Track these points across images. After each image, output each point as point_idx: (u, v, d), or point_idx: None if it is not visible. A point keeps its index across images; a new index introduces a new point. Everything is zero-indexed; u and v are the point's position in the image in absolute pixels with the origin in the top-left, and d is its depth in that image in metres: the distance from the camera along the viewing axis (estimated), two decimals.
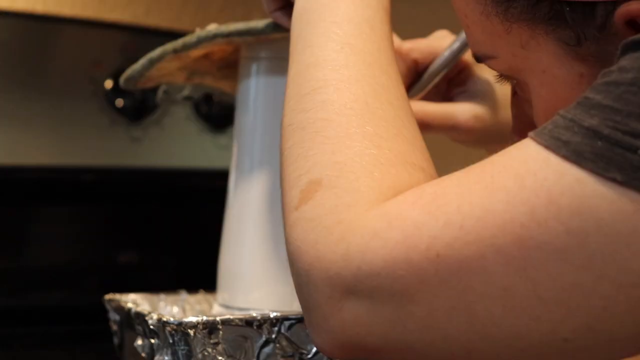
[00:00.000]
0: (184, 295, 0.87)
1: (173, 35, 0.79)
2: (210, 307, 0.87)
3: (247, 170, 0.80)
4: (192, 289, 0.89)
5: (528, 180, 0.50)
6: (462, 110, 0.80)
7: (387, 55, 0.62)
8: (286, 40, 0.79)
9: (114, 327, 0.82)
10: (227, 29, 0.76)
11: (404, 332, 0.52)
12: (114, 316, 0.82)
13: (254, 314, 0.69)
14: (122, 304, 0.79)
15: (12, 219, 1.30)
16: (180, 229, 1.38)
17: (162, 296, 0.86)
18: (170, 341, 0.67)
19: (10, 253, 1.30)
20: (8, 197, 1.27)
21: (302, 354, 0.71)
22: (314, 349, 0.71)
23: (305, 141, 0.58)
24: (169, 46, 0.77)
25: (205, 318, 0.67)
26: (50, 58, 1.25)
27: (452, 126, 0.80)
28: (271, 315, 0.69)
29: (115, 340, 0.82)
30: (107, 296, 0.83)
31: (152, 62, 0.79)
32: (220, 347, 0.67)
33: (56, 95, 1.24)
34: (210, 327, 0.67)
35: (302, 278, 0.55)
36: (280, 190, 0.60)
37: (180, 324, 0.67)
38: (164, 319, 0.68)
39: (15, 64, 1.22)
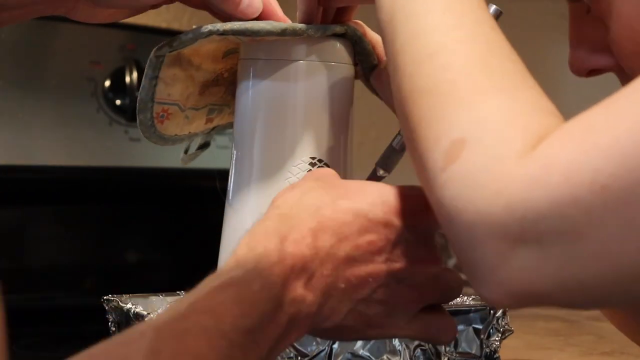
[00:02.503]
0: (182, 296, 0.87)
1: (172, 35, 0.78)
2: None
3: (246, 171, 0.80)
4: (191, 289, 0.89)
5: None
6: None
7: (485, 13, 0.62)
8: (282, 43, 0.79)
9: (113, 328, 0.82)
10: (223, 27, 0.76)
11: (575, 271, 0.53)
12: (112, 317, 0.82)
13: None
14: (122, 304, 0.79)
15: (12, 219, 1.30)
16: (180, 229, 1.38)
17: (161, 296, 0.86)
18: None
19: (10, 253, 1.30)
20: (7, 197, 1.27)
21: (303, 355, 0.71)
22: (314, 351, 0.71)
23: (436, 105, 0.59)
24: (165, 44, 0.77)
25: None
26: (48, 58, 1.25)
27: None
28: None
29: None
30: (106, 297, 0.83)
31: (154, 67, 0.78)
32: None
33: (55, 95, 1.24)
34: None
35: (462, 236, 0.55)
36: (415, 159, 0.60)
37: None
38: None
39: (14, 64, 1.22)
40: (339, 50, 0.80)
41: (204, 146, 0.89)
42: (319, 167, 0.79)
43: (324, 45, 0.79)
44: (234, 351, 0.53)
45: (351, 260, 0.59)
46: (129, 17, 0.83)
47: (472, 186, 0.55)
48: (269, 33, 0.76)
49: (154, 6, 0.80)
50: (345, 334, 0.62)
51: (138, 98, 0.78)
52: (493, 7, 0.76)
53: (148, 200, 1.38)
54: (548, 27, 1.60)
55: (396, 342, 0.76)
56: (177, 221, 1.37)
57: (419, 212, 0.61)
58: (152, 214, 1.39)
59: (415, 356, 0.76)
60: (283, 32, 0.76)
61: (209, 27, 0.76)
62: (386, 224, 0.60)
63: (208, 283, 0.56)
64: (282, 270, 0.56)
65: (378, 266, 0.60)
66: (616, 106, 0.53)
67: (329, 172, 0.67)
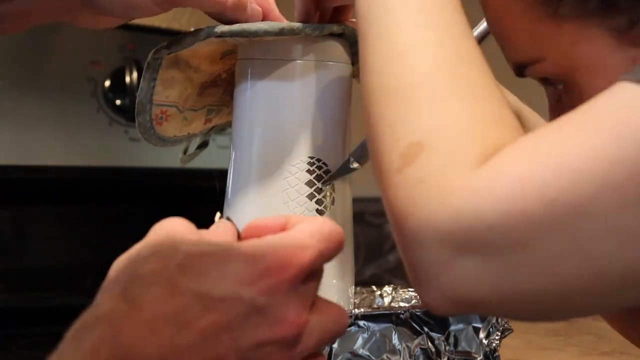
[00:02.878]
0: None
1: (172, 35, 0.79)
2: None
3: (245, 171, 0.80)
4: None
5: (634, 117, 0.51)
6: None
7: (461, 18, 0.63)
8: (280, 42, 0.79)
9: None
10: (221, 29, 0.76)
11: (517, 282, 0.53)
12: None
13: None
14: None
15: (12, 219, 1.30)
16: None
17: None
18: None
19: (10, 253, 1.30)
20: (7, 197, 1.27)
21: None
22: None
23: (399, 106, 0.59)
24: (162, 46, 0.77)
25: None
26: (48, 58, 1.25)
27: None
28: None
29: None
30: None
31: (152, 70, 0.78)
32: None
33: (55, 95, 1.24)
34: None
35: (408, 239, 0.55)
36: (373, 156, 0.60)
37: None
38: None
39: (14, 64, 1.22)
40: (336, 49, 0.80)
41: (203, 145, 0.89)
42: (317, 166, 0.79)
43: (321, 45, 0.79)
44: None
45: (195, 348, 0.51)
46: (131, 20, 0.83)
47: (423, 191, 0.55)
48: (266, 33, 0.76)
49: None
50: None
51: (137, 100, 0.79)
52: (483, 25, 0.76)
53: (148, 200, 1.38)
54: None
55: (395, 341, 0.76)
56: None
57: (283, 268, 0.52)
58: (152, 214, 1.39)
59: (415, 355, 0.76)
60: (280, 32, 0.76)
61: (207, 29, 0.76)
62: (233, 299, 0.52)
63: None
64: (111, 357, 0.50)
65: (226, 345, 0.51)
66: (570, 124, 0.54)
67: (178, 228, 0.59)
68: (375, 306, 0.90)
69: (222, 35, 0.76)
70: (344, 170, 0.80)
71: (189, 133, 0.86)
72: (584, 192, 0.51)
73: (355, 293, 0.86)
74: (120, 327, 0.51)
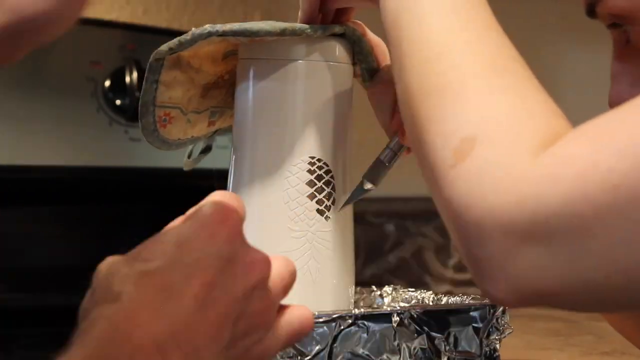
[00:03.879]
0: None
1: (172, 35, 0.79)
2: None
3: (245, 170, 0.80)
4: None
5: None
6: None
7: (491, 15, 0.63)
8: (281, 43, 0.79)
9: None
10: (222, 28, 0.76)
11: (582, 270, 0.53)
12: None
13: None
14: None
15: (12, 219, 1.30)
16: None
17: None
18: None
19: (10, 253, 1.30)
20: (7, 197, 1.27)
21: (303, 354, 0.71)
22: (314, 351, 0.71)
23: (446, 104, 0.59)
24: (164, 47, 0.77)
25: None
26: (48, 58, 1.25)
27: None
28: None
29: None
30: None
31: (154, 71, 0.78)
32: None
33: (54, 95, 1.24)
34: None
35: (471, 232, 0.55)
36: (421, 158, 0.60)
37: None
38: None
39: (14, 64, 1.22)
40: (338, 50, 0.80)
41: (206, 150, 0.89)
42: (317, 166, 0.79)
43: (322, 45, 0.79)
44: None
45: (198, 311, 0.53)
46: None
47: (482, 182, 0.55)
48: (268, 33, 0.76)
49: None
50: None
51: (139, 102, 0.78)
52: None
53: (148, 200, 1.38)
54: (548, 27, 1.60)
55: (395, 341, 0.76)
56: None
57: (227, 218, 0.57)
58: (152, 214, 1.39)
59: (415, 355, 0.76)
60: (282, 32, 0.76)
61: (208, 28, 0.76)
62: (203, 258, 0.54)
63: None
64: (121, 349, 0.50)
65: (223, 301, 0.54)
66: (632, 111, 0.54)
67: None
68: (375, 306, 0.90)
69: (224, 34, 0.76)
70: (358, 192, 0.80)
71: (192, 136, 0.85)
72: None
73: (355, 293, 0.86)
74: (119, 320, 0.52)
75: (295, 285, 0.77)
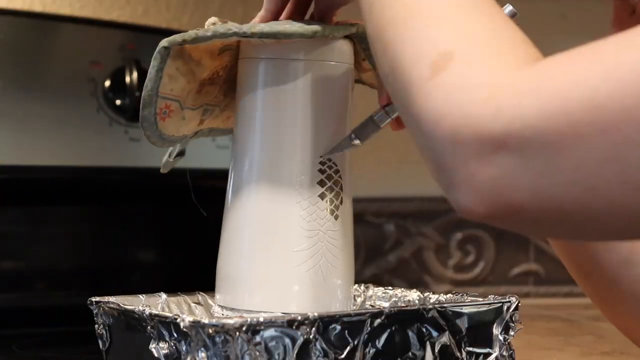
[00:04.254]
0: (163, 297, 0.86)
1: (172, 35, 0.78)
2: (190, 308, 0.86)
3: (245, 171, 0.80)
4: (191, 289, 0.89)
5: None
6: None
7: None
8: (286, 42, 0.78)
9: (102, 331, 0.81)
10: (251, 29, 0.75)
11: (552, 185, 0.53)
12: (103, 319, 0.81)
13: (295, 315, 0.70)
14: (124, 305, 0.78)
15: (12, 219, 1.30)
16: (180, 229, 1.38)
17: (142, 298, 0.85)
18: (207, 343, 0.68)
19: (10, 253, 1.30)
20: (7, 197, 1.26)
21: (336, 353, 0.72)
22: (346, 351, 0.71)
23: (420, 24, 0.59)
24: (178, 37, 0.76)
25: (247, 320, 0.68)
26: (48, 57, 1.25)
27: None
28: (310, 316, 0.70)
29: (104, 344, 0.81)
30: (93, 298, 0.82)
31: (160, 58, 0.77)
32: (260, 348, 0.68)
33: (54, 95, 1.24)
34: (253, 329, 0.68)
35: (445, 141, 0.55)
36: (395, 76, 0.60)
37: (221, 325, 0.67)
38: (203, 321, 0.69)
39: (13, 64, 1.22)
40: (339, 49, 0.80)
41: (181, 154, 0.89)
42: (327, 165, 0.79)
43: (324, 45, 0.79)
44: None
45: None
46: None
47: (460, 92, 0.55)
48: (302, 36, 0.76)
49: None
50: None
51: (143, 92, 0.78)
52: (509, 8, 0.76)
53: (148, 200, 1.38)
54: (548, 28, 1.60)
55: (417, 337, 0.76)
56: (177, 221, 1.37)
57: None
58: (152, 214, 1.39)
59: (438, 352, 0.77)
60: (314, 34, 0.76)
61: (233, 29, 0.75)
62: None
63: None
64: None
65: None
66: (627, 40, 0.53)
67: None
68: (402, 304, 0.90)
69: (252, 36, 0.75)
70: (345, 144, 0.80)
71: (183, 134, 0.85)
72: (629, 101, 0.51)
73: (355, 293, 0.86)
74: None
75: (308, 284, 0.77)
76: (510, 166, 0.54)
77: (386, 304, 0.91)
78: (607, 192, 0.52)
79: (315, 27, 0.76)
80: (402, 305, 0.89)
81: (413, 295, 0.90)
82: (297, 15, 0.81)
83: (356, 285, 0.91)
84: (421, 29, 0.59)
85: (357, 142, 0.79)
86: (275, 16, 0.79)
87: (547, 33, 1.73)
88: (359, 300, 0.92)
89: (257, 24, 0.76)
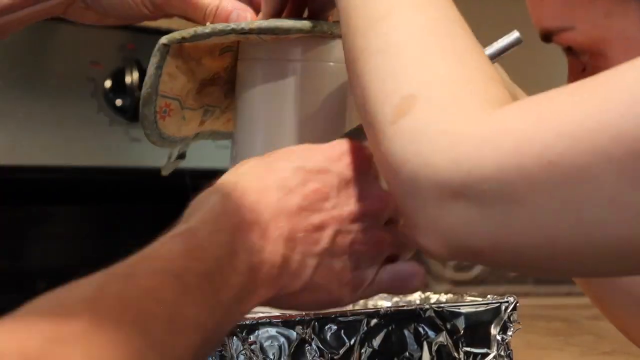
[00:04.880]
0: None
1: None
2: None
3: None
4: None
5: None
6: None
7: None
8: (283, 43, 0.78)
9: None
10: (249, 26, 0.75)
11: (510, 234, 0.54)
12: None
13: (290, 314, 0.70)
14: None
15: (12, 219, 1.30)
16: None
17: None
18: None
19: (10, 253, 1.30)
20: (7, 197, 1.27)
21: (332, 353, 0.72)
22: (342, 351, 0.71)
23: (387, 63, 0.60)
24: (176, 34, 0.76)
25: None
26: (49, 58, 1.25)
27: None
28: (306, 316, 0.70)
29: None
30: None
31: (159, 56, 0.77)
32: (255, 347, 0.68)
33: (55, 95, 1.24)
34: (248, 328, 0.68)
35: (406, 186, 0.56)
36: (364, 114, 0.61)
37: None
38: None
39: (14, 64, 1.22)
40: (337, 50, 0.80)
41: (182, 156, 0.89)
42: None
43: (322, 46, 0.79)
44: (191, 291, 0.53)
45: (302, 210, 0.60)
46: (118, 24, 0.83)
47: (419, 139, 0.56)
48: (300, 31, 0.75)
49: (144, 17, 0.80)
50: (321, 295, 0.62)
51: (142, 90, 0.78)
52: (515, 35, 0.76)
53: (148, 200, 1.38)
54: None
55: (415, 337, 0.76)
56: (177, 221, 1.37)
57: (356, 152, 0.64)
58: (152, 214, 1.39)
59: (433, 352, 0.77)
60: (312, 30, 0.76)
61: (232, 25, 0.75)
62: (324, 171, 0.62)
63: (156, 240, 0.57)
64: (228, 220, 0.57)
65: (329, 213, 0.61)
66: (583, 90, 0.54)
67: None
68: (403, 304, 0.91)
69: (250, 32, 0.75)
70: None
71: (185, 135, 0.85)
72: (582, 160, 0.52)
73: None
74: (230, 200, 0.58)
75: None
76: (468, 214, 0.54)
77: (388, 304, 0.91)
78: (565, 240, 0.53)
79: (313, 23, 0.76)
80: (403, 305, 0.89)
81: (414, 295, 0.90)
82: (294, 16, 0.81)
83: None
84: (388, 68, 0.60)
85: None
86: (275, 12, 0.79)
87: None
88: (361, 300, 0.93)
89: (255, 21, 0.76)
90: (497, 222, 0.54)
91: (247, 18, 0.78)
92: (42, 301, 0.51)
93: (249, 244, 0.57)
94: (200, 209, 0.58)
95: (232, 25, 0.75)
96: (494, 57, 0.77)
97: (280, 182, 0.60)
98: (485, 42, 0.74)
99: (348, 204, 0.62)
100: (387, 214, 0.64)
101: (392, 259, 0.65)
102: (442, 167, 0.55)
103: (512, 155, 0.53)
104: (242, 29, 0.75)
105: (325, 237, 0.61)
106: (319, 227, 0.61)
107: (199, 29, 0.76)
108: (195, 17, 0.78)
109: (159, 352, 0.49)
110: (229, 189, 0.60)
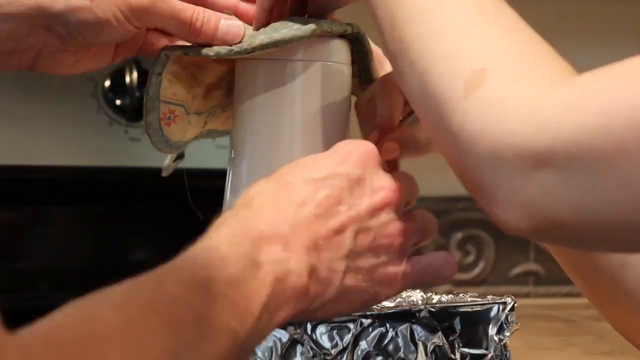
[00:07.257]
0: None
1: None
2: None
3: (243, 171, 0.80)
4: None
5: None
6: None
7: None
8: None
9: None
10: (251, 45, 0.75)
11: (595, 202, 0.53)
12: None
13: None
14: None
15: (12, 219, 1.30)
16: (180, 229, 1.38)
17: None
18: None
19: (10, 253, 1.30)
20: (7, 197, 1.27)
21: (325, 354, 0.71)
22: (335, 352, 0.71)
23: (450, 43, 0.59)
24: (178, 51, 0.76)
25: None
26: None
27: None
28: None
29: None
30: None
31: (160, 64, 0.77)
32: None
33: (54, 95, 1.24)
34: None
35: (485, 158, 0.55)
36: (426, 95, 0.59)
37: None
38: None
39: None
40: (337, 49, 0.80)
41: (180, 157, 0.89)
42: None
43: (322, 45, 0.79)
44: (219, 299, 0.53)
45: (318, 217, 0.60)
46: (95, 68, 0.83)
47: (499, 109, 0.55)
48: (300, 39, 0.75)
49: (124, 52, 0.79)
50: (356, 297, 0.62)
51: (145, 97, 0.78)
52: None
53: (148, 200, 1.38)
54: (548, 28, 1.60)
55: (411, 338, 0.76)
56: (177, 221, 1.37)
57: (360, 149, 0.64)
58: (152, 214, 1.39)
59: (430, 353, 0.77)
60: (312, 34, 0.76)
61: (235, 49, 0.75)
62: (332, 176, 0.62)
63: (177, 256, 0.58)
64: (247, 235, 0.58)
65: (346, 214, 0.61)
66: None
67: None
68: (405, 304, 0.91)
69: (252, 51, 0.75)
70: None
71: (189, 138, 0.85)
72: None
73: None
74: (247, 219, 0.59)
75: None
76: (553, 183, 0.53)
77: (391, 304, 0.91)
78: None
79: (312, 26, 0.76)
80: (405, 305, 0.89)
81: (417, 295, 0.90)
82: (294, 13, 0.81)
83: None
84: (452, 46, 0.59)
85: None
86: (268, 13, 0.79)
87: (547, 34, 1.74)
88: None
89: (255, 37, 0.76)
90: (583, 189, 0.53)
91: (239, 30, 0.76)
92: (71, 308, 0.52)
93: (272, 256, 0.57)
94: (219, 230, 0.59)
95: (236, 49, 0.75)
96: None
97: (292, 197, 0.61)
98: None
99: (362, 202, 0.62)
100: (403, 202, 0.64)
101: (419, 251, 0.65)
102: (527, 134, 0.53)
103: (599, 118, 0.52)
104: (246, 49, 0.75)
105: (347, 238, 0.61)
106: (339, 230, 0.61)
107: (203, 51, 0.76)
108: (180, 28, 0.76)
109: (190, 356, 0.50)
110: (244, 210, 0.60)
